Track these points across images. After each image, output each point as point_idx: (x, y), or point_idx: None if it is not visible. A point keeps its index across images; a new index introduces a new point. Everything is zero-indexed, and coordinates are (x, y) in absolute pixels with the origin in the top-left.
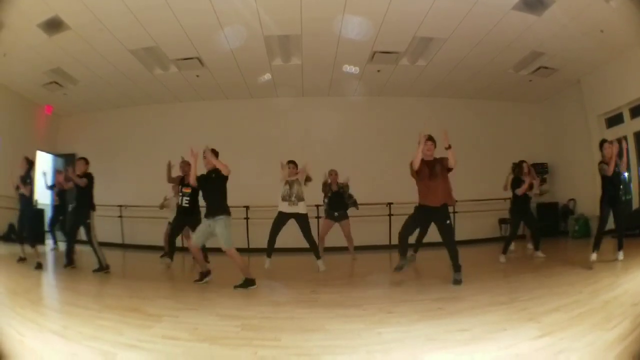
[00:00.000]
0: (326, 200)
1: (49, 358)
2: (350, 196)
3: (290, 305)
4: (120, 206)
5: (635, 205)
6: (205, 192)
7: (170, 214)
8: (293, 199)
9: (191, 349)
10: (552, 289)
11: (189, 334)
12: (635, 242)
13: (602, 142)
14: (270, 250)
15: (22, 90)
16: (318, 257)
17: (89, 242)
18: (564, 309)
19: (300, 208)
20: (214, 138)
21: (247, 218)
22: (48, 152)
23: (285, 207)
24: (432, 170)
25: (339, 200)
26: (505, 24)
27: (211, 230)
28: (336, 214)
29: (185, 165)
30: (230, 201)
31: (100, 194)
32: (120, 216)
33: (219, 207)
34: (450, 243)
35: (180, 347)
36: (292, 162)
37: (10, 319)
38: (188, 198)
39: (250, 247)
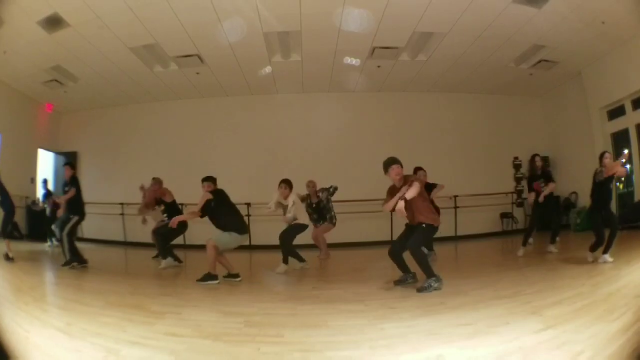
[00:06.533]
0: (309, 210)
1: (53, 354)
2: (329, 209)
3: (293, 301)
4: (122, 204)
5: (637, 197)
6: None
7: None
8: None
9: (194, 345)
10: (555, 282)
11: (192, 330)
12: (638, 234)
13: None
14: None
15: (22, 87)
16: (285, 262)
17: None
18: (566, 302)
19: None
20: (214, 135)
21: (248, 215)
22: (49, 150)
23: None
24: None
25: (319, 212)
26: (505, 17)
27: None
28: (321, 222)
29: (156, 183)
30: (232, 197)
31: (101, 192)
32: (122, 214)
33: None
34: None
35: (183, 344)
36: (284, 182)
37: (15, 315)
38: (166, 214)
39: (252, 244)
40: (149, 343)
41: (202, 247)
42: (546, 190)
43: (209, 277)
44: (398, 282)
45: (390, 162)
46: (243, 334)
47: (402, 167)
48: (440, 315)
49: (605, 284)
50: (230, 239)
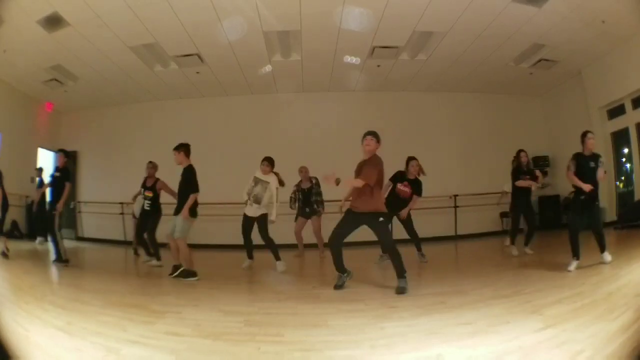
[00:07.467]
0: (300, 197)
1: (54, 354)
2: (317, 195)
3: (293, 301)
4: (122, 203)
5: (637, 197)
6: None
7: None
8: (250, 199)
9: (194, 344)
10: (555, 281)
11: (192, 330)
12: (638, 233)
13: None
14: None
15: (22, 87)
16: (278, 259)
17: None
18: (567, 301)
19: (253, 211)
20: (214, 134)
21: None
22: (49, 149)
23: (246, 208)
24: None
25: (308, 198)
26: (505, 16)
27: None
28: (307, 209)
29: (153, 168)
30: (231, 198)
31: (101, 191)
32: (122, 213)
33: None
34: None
35: (183, 343)
36: (267, 160)
37: (15, 314)
38: (149, 202)
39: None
40: (149, 342)
41: (203, 247)
42: (529, 183)
43: (189, 273)
44: (339, 287)
45: (367, 133)
46: (243, 333)
47: (378, 142)
48: (440, 315)
49: (605, 283)
50: (189, 224)
